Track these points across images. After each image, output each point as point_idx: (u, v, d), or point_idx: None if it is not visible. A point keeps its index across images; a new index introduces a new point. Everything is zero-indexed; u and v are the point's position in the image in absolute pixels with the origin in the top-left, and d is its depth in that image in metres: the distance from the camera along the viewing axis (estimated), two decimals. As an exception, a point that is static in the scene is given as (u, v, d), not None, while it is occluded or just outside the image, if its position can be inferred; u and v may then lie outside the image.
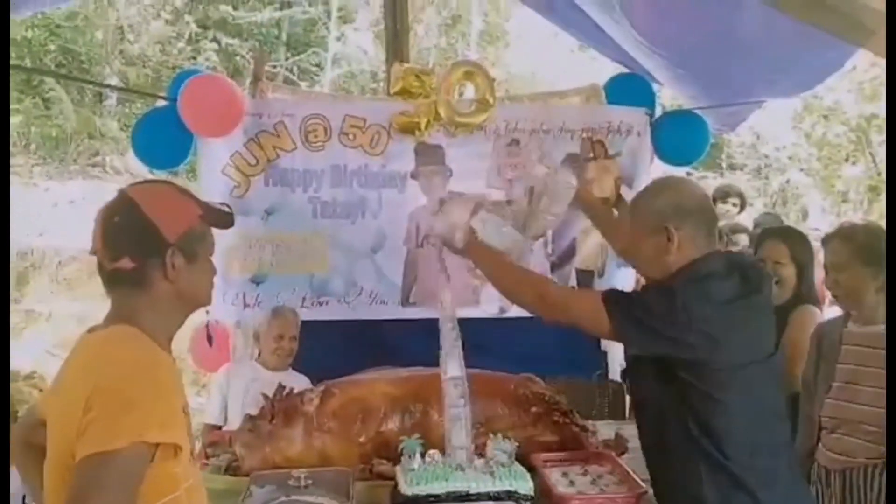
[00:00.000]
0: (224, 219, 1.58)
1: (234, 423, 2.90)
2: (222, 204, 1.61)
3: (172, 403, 1.34)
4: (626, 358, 2.04)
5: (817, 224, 10.67)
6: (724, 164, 14.57)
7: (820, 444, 2.53)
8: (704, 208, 1.92)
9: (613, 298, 1.84)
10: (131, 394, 1.26)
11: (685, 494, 1.82)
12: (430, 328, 3.69)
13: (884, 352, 2.37)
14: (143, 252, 1.42)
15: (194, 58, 12.63)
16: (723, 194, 5.46)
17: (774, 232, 3.33)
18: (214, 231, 1.57)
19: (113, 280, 1.44)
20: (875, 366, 2.38)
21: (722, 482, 1.77)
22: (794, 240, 3.07)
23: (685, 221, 1.84)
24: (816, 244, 3.03)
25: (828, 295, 2.91)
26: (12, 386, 2.59)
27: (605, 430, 2.61)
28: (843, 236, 2.53)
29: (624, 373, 3.84)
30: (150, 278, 1.43)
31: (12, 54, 10.92)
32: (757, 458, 1.79)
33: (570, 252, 3.97)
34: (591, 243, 3.93)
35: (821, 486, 2.52)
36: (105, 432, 1.21)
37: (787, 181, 13.54)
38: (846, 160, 12.33)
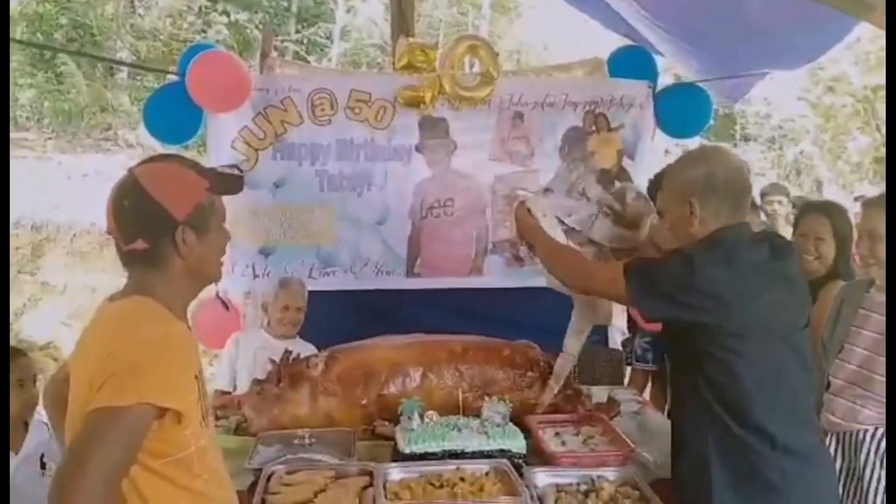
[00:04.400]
0: (233, 184, 1.59)
1: (243, 389, 3.00)
2: (232, 167, 1.63)
3: (180, 372, 1.41)
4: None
5: (827, 195, 10.63)
6: (737, 136, 14.51)
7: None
8: (735, 181, 1.87)
9: (632, 266, 1.88)
10: (142, 361, 1.35)
11: (691, 456, 1.87)
12: (432, 298, 3.81)
13: None
14: (155, 233, 1.46)
15: (204, 31, 12.64)
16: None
17: (816, 206, 3.17)
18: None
19: (129, 259, 1.49)
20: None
21: (727, 449, 1.80)
22: (836, 215, 2.96)
23: (711, 195, 1.84)
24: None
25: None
26: (31, 356, 2.72)
27: (599, 393, 2.70)
28: (882, 205, 2.47)
29: (624, 342, 3.94)
30: (164, 256, 1.48)
31: (24, 30, 10.98)
32: (771, 430, 1.78)
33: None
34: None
35: None
36: (116, 391, 1.31)
37: (801, 152, 13.49)
38: (857, 130, 12.27)
